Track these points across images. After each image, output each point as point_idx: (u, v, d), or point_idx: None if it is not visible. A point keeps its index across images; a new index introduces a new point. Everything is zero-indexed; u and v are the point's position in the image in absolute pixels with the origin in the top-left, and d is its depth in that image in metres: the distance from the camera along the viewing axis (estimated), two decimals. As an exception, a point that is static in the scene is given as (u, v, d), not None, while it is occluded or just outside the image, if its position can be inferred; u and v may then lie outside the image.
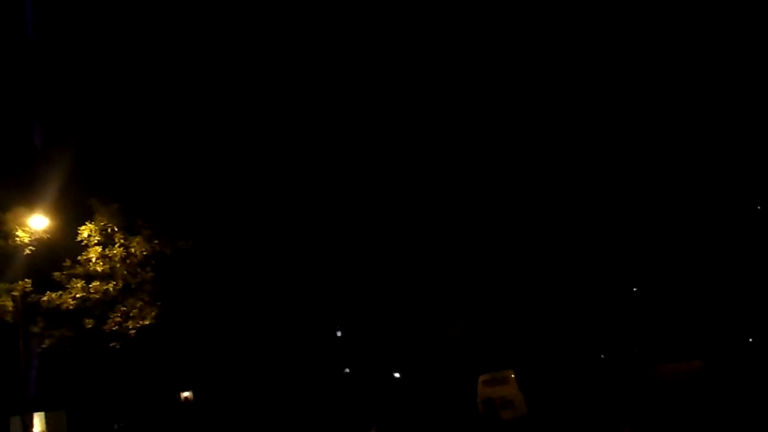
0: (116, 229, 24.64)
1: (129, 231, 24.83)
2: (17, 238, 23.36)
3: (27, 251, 23.53)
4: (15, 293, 23.45)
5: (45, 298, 23.82)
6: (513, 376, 28.40)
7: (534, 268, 41.61)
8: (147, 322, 24.61)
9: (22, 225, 23.49)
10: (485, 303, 41.03)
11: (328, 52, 36.07)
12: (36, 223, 23.61)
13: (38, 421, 26.35)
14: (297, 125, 35.11)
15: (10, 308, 23.37)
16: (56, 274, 24.12)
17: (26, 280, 23.54)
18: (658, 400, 27.18)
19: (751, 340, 43.17)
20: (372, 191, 37.78)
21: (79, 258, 24.32)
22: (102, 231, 24.51)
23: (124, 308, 24.45)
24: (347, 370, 40.66)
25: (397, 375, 43.75)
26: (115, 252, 24.51)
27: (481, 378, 28.72)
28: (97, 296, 24.17)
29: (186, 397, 32.38)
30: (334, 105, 36.25)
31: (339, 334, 40.68)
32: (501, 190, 40.36)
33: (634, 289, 45.04)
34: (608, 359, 43.18)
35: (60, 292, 23.97)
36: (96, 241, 24.45)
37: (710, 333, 39.99)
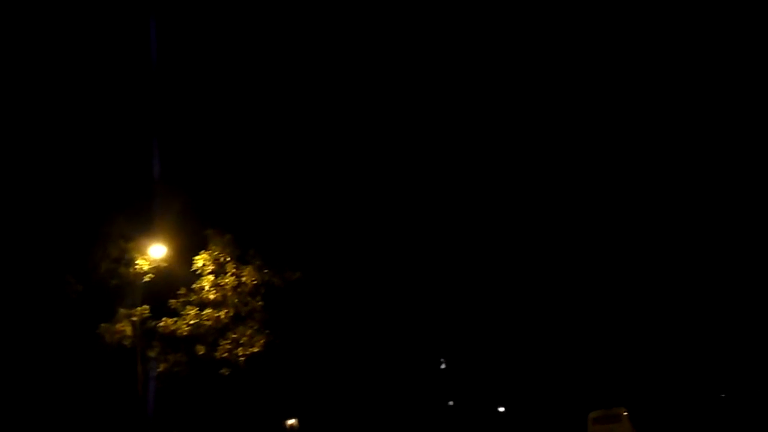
0: (229, 259, 25.50)
1: (241, 261, 25.66)
2: (137, 266, 24.60)
3: (146, 278, 24.76)
4: (134, 318, 24.64)
5: (161, 324, 24.93)
6: (626, 413, 27.43)
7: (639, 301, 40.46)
8: (256, 350, 25.26)
9: (142, 254, 24.73)
10: (591, 335, 40.13)
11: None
12: (155, 252, 24.80)
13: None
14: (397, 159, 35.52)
15: (129, 333, 24.56)
16: (172, 301, 25.19)
17: (144, 306, 24.75)
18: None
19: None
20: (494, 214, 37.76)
21: (193, 286, 25.30)
22: (215, 260, 25.42)
23: (235, 336, 25.18)
24: (451, 403, 40.48)
25: (501, 409, 43.16)
26: (227, 281, 25.36)
27: (592, 415, 27.88)
28: (210, 323, 25.04)
29: (291, 425, 32.99)
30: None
31: (443, 365, 40.59)
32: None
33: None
34: (730, 398, 41.15)
35: (175, 319, 25.02)
36: (209, 270, 25.39)
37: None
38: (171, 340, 25.10)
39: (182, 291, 25.28)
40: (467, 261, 37.35)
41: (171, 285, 25.29)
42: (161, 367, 25.07)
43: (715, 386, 41.68)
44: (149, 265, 24.66)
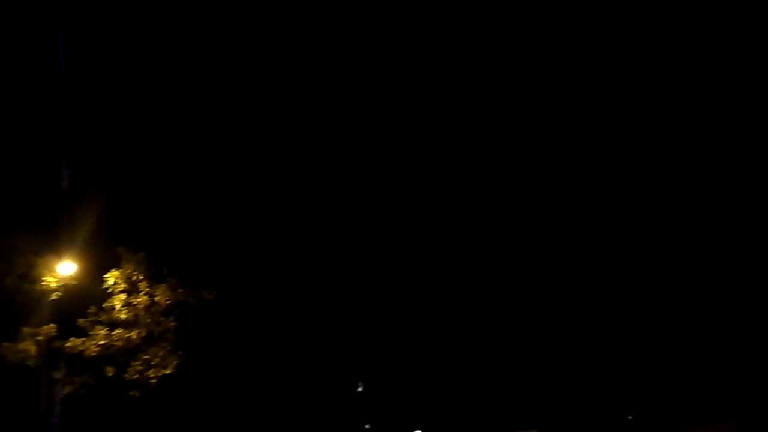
0: (142, 277, 24.84)
1: (155, 279, 25.02)
2: (45, 283, 23.66)
3: (53, 296, 23.81)
4: (39, 338, 23.66)
5: (69, 344, 23.95)
6: None
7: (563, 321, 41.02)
8: (168, 371, 24.63)
9: (50, 270, 23.80)
10: (510, 358, 40.56)
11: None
12: (64, 269, 23.91)
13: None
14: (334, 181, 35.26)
15: (33, 353, 23.58)
16: (81, 320, 24.30)
17: (51, 325, 23.76)
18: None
19: None
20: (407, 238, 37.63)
21: (104, 305, 24.54)
22: (128, 279, 24.74)
23: (147, 357, 24.51)
24: (367, 427, 40.33)
25: (418, 432, 43.27)
26: (139, 300, 24.69)
27: None
28: (120, 344, 24.31)
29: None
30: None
31: (360, 388, 40.40)
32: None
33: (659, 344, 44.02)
34: (636, 421, 42.17)
35: (84, 339, 24.14)
36: (121, 289, 24.68)
37: (745, 394, 38.90)
38: (78, 361, 24.21)
39: (92, 310, 24.46)
40: (385, 282, 37.33)
41: (80, 304, 24.42)
42: (67, 390, 24.13)
43: (622, 410, 42.55)
44: (57, 282, 23.74)
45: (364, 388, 39.63)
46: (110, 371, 24.29)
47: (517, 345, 38.75)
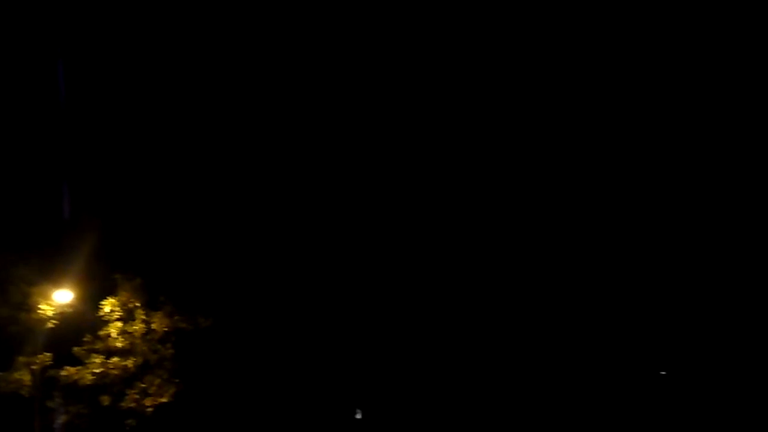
0: (138, 305, 24.73)
1: (151, 307, 24.91)
2: (40, 312, 23.54)
3: (49, 325, 23.68)
4: (34, 367, 23.51)
5: (64, 373, 23.86)
6: None
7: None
8: (164, 400, 24.45)
9: (46, 298, 23.69)
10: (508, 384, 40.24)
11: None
12: (60, 297, 23.79)
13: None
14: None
15: (28, 382, 23.42)
16: (76, 349, 24.16)
17: (46, 354, 23.62)
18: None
19: None
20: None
21: (100, 333, 24.38)
22: (124, 306, 24.62)
23: (143, 385, 24.35)
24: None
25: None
26: (135, 328, 24.56)
27: None
28: (116, 372, 24.15)
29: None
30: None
31: (359, 416, 40.11)
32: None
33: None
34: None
35: (79, 368, 23.99)
36: (117, 316, 24.56)
37: None
38: (74, 389, 24.07)
39: (88, 338, 24.31)
40: (383, 309, 37.16)
41: (76, 332, 24.29)
42: (62, 419, 23.96)
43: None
44: (53, 310, 23.62)
45: (362, 415, 39.36)
46: (106, 400, 24.14)
47: (517, 371, 38.46)
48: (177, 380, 24.93)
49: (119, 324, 24.46)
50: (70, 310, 24.01)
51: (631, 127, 38.72)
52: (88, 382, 23.92)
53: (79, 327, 24.39)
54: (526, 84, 37.99)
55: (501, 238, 37.80)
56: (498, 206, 37.90)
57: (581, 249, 38.20)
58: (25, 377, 23.34)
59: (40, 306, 23.55)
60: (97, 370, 24.00)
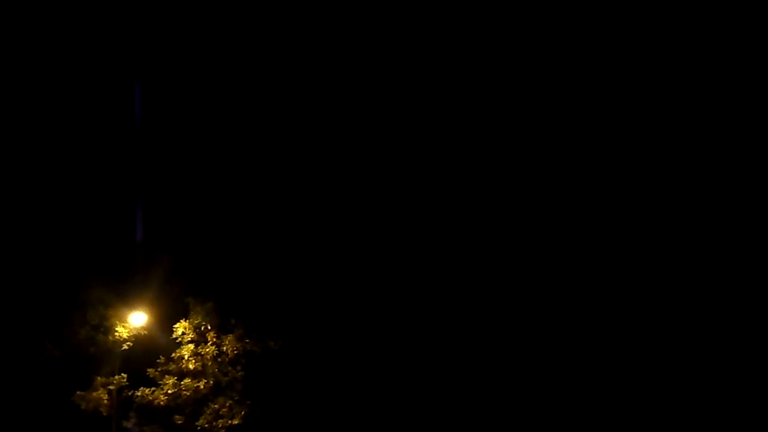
0: (210, 327, 25.24)
1: (222, 329, 25.39)
2: (117, 334, 24.32)
3: (125, 347, 24.43)
4: (111, 387, 24.28)
5: (139, 394, 24.54)
6: None
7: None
8: (236, 422, 24.84)
9: (122, 321, 24.46)
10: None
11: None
12: (135, 320, 24.58)
13: None
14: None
15: (106, 402, 24.18)
16: (150, 370, 24.81)
17: (122, 374, 24.41)
18: None
19: None
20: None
21: (172, 355, 24.97)
22: (196, 329, 25.15)
23: (215, 406, 24.80)
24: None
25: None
26: (207, 350, 25.05)
27: None
28: (188, 393, 24.64)
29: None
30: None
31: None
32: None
33: None
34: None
35: (153, 388, 24.63)
36: (189, 339, 25.11)
37: None
38: (148, 410, 24.69)
39: (161, 360, 24.93)
40: (443, 326, 36.89)
41: (150, 353, 24.96)
42: (138, 438, 24.64)
43: None
44: (129, 332, 24.43)
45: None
46: (179, 420, 24.66)
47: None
48: (248, 401, 25.29)
49: (191, 346, 24.97)
50: (145, 332, 24.77)
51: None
52: (162, 403, 24.48)
53: (154, 349, 25.07)
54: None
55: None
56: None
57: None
58: (103, 397, 24.11)
59: (116, 328, 24.40)
60: (171, 391, 24.54)
